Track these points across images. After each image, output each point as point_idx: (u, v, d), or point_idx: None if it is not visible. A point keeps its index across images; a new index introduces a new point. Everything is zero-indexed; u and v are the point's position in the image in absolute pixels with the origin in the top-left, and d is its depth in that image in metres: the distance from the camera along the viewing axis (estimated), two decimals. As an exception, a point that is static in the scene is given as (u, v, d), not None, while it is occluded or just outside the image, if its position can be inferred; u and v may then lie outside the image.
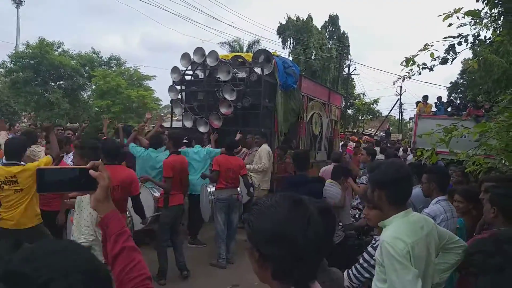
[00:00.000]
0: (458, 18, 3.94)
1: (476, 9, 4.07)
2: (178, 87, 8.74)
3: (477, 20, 4.27)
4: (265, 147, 6.89)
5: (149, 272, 1.31)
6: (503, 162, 4.20)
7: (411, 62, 4.14)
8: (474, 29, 4.51)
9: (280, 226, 1.06)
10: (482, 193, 3.05)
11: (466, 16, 3.93)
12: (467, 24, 4.17)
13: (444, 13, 3.90)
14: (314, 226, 1.07)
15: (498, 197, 2.41)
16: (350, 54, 35.51)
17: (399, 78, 4.60)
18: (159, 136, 6.49)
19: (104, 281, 0.82)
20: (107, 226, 1.29)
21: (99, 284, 0.80)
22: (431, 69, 4.39)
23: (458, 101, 17.11)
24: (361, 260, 2.39)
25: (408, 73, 4.34)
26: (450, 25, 4.06)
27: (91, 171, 1.28)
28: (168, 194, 5.12)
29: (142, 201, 5.07)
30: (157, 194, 5.57)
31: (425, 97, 13.91)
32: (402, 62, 4.20)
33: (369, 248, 2.40)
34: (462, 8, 3.85)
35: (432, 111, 13.64)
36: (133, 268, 1.26)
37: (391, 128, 33.34)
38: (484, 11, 4.50)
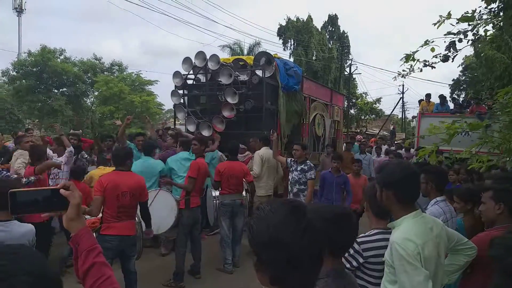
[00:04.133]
0: (452, 25, 3.93)
1: (466, 11, 4.03)
2: (181, 92, 8.76)
3: (475, 24, 4.25)
4: (257, 152, 6.67)
5: (120, 287, 1.34)
6: (508, 159, 4.19)
7: (411, 58, 4.13)
8: (474, 26, 4.51)
9: (276, 232, 1.07)
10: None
11: (460, 22, 3.92)
12: (464, 30, 4.15)
13: (438, 21, 3.89)
14: (309, 233, 1.08)
15: (505, 193, 2.40)
16: (351, 54, 35.50)
17: (398, 74, 4.58)
18: (150, 142, 6.57)
19: (52, 284, 0.90)
20: (78, 243, 1.32)
21: (46, 286, 0.88)
22: (432, 66, 4.37)
23: (461, 99, 17.00)
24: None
25: (408, 69, 4.33)
26: (448, 32, 4.06)
27: (61, 191, 1.31)
28: (190, 195, 5.20)
29: (164, 203, 5.19)
30: (177, 197, 5.60)
31: (428, 95, 13.84)
32: (402, 58, 4.19)
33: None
34: (450, 11, 3.81)
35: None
36: (103, 283, 1.29)
37: (396, 128, 33.13)
38: (482, 7, 4.49)
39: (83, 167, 6.09)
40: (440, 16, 3.83)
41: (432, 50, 4.07)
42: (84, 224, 1.36)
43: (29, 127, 13.15)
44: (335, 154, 7.02)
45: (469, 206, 3.47)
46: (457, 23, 3.86)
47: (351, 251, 2.35)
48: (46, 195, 1.33)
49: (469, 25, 4.01)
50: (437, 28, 3.84)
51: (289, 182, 6.21)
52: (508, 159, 4.16)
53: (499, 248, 0.90)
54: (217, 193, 6.03)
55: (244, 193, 6.03)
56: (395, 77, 4.57)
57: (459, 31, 4.14)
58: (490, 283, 0.98)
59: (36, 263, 0.90)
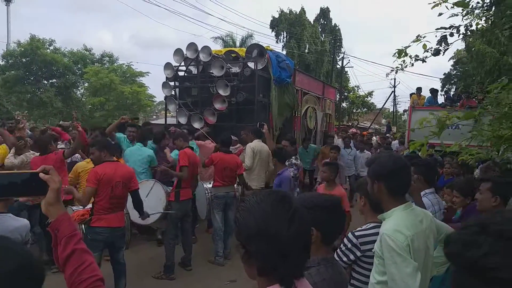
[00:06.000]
0: (447, 8, 3.95)
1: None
2: (172, 83, 8.70)
3: (469, 11, 4.28)
4: (249, 145, 6.59)
5: (101, 274, 1.31)
6: (497, 153, 4.24)
7: (403, 53, 4.16)
8: (466, 19, 4.53)
9: (263, 222, 1.07)
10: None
11: (455, 7, 3.95)
12: (457, 15, 4.18)
13: (434, 1, 3.91)
14: (297, 223, 1.08)
15: (503, 186, 2.44)
16: (343, 47, 35.51)
17: (391, 70, 4.61)
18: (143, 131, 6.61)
19: (34, 275, 0.93)
20: (58, 229, 1.29)
21: (25, 276, 0.91)
22: (423, 60, 4.40)
23: (452, 92, 17.13)
24: (341, 244, 2.43)
25: (401, 64, 4.35)
26: (440, 14, 4.08)
27: (41, 175, 1.28)
28: (180, 188, 5.20)
29: (154, 195, 5.23)
30: (168, 189, 5.59)
31: (419, 89, 13.95)
32: (395, 53, 4.22)
33: (349, 234, 2.43)
34: None
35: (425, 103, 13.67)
36: (84, 270, 1.27)
37: (390, 122, 33.15)
38: (475, 1, 4.51)
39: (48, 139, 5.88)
40: None
41: (424, 47, 4.09)
42: (63, 210, 1.32)
43: (18, 117, 12.90)
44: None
45: (468, 200, 3.48)
46: (452, 7, 3.88)
47: (349, 245, 2.35)
48: (24, 179, 1.29)
49: (462, 11, 4.04)
50: (432, 8, 3.85)
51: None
52: (497, 153, 4.20)
53: (457, 244, 0.88)
54: (209, 185, 6.01)
55: (236, 185, 6.02)
56: (388, 73, 4.61)
57: (451, 25, 4.17)
58: (451, 283, 0.96)
59: (17, 254, 0.92)
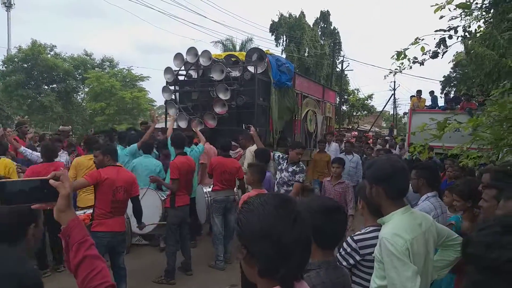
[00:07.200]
0: (449, 10, 3.96)
1: (467, 0, 4.10)
2: (172, 88, 8.72)
3: (468, 12, 4.29)
4: (249, 149, 6.56)
5: (112, 280, 1.32)
6: (497, 155, 4.22)
7: (402, 55, 4.16)
8: (465, 20, 4.54)
9: (267, 224, 1.08)
10: (480, 186, 3.03)
11: (457, 8, 3.96)
12: (457, 17, 4.19)
13: (436, 4, 3.91)
14: (300, 225, 1.10)
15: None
16: (342, 50, 35.56)
17: (390, 72, 4.61)
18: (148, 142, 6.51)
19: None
20: (69, 235, 1.29)
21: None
22: (422, 63, 4.40)
23: (452, 95, 17.18)
24: (341, 249, 2.42)
25: (399, 66, 4.36)
26: (441, 17, 4.08)
27: (51, 181, 1.28)
28: (175, 194, 5.17)
29: (150, 202, 5.25)
30: (164, 196, 5.58)
31: (419, 92, 13.98)
32: (393, 55, 4.22)
33: (349, 238, 2.42)
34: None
35: (426, 106, 13.71)
36: (96, 276, 1.27)
37: (393, 125, 33.01)
38: (475, 2, 4.52)
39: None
40: (447, 0, 3.83)
41: (422, 49, 4.10)
42: (74, 215, 1.33)
43: (22, 119, 12.80)
44: None
45: (469, 204, 3.44)
46: (454, 9, 3.89)
47: (348, 249, 2.35)
48: (35, 186, 1.29)
49: (462, 13, 4.04)
50: (435, 12, 3.86)
51: (275, 183, 5.62)
52: (498, 156, 4.18)
53: (479, 245, 0.88)
54: (209, 189, 6.00)
55: (235, 189, 6.02)
56: (386, 75, 4.61)
57: (449, 27, 4.17)
58: (466, 281, 0.95)
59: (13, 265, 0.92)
